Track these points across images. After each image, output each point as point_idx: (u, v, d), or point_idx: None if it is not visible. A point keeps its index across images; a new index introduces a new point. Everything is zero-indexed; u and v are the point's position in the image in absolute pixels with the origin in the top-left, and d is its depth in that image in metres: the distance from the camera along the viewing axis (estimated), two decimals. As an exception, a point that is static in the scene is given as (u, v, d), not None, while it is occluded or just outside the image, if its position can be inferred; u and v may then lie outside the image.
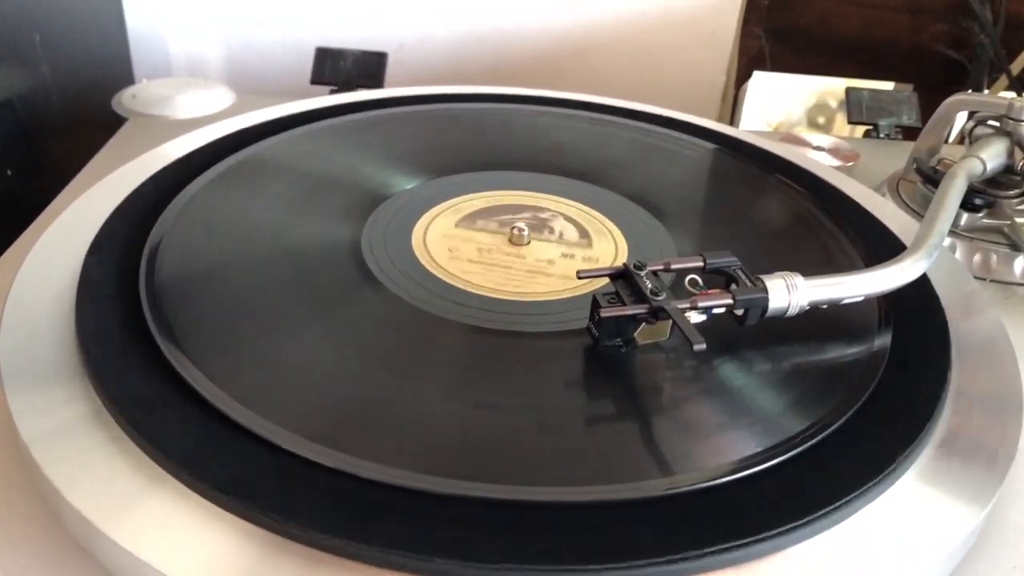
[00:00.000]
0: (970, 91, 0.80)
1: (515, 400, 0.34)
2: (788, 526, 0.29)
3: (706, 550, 0.28)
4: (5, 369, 0.34)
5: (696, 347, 0.32)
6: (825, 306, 0.37)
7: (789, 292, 0.35)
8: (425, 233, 0.45)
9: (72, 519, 0.29)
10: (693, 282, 0.36)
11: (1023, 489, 0.35)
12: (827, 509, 0.30)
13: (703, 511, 0.30)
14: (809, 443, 0.32)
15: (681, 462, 0.32)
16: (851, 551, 0.29)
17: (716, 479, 0.30)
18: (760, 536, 0.28)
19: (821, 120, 0.91)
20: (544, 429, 0.33)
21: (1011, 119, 0.50)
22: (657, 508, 0.30)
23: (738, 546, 0.28)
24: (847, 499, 0.30)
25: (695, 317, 0.34)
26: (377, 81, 0.68)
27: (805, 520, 0.29)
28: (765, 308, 0.35)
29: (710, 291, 0.35)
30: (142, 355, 0.34)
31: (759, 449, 0.32)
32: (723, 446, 0.32)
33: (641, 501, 0.30)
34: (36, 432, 0.31)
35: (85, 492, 0.29)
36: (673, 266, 0.36)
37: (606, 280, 0.37)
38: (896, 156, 0.59)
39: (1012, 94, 0.81)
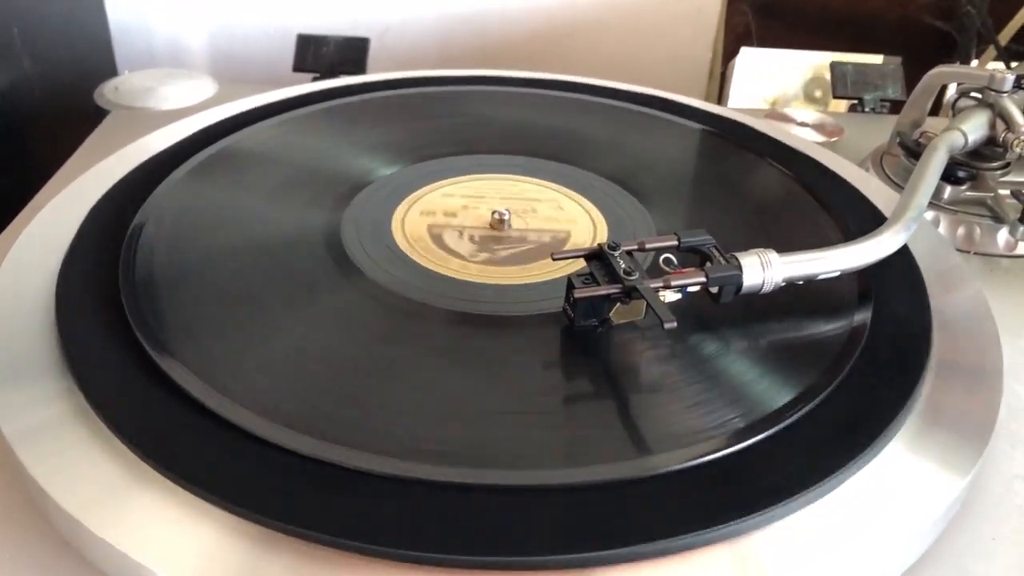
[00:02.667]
0: (957, 63, 0.80)
1: (495, 384, 0.34)
2: (777, 500, 0.29)
3: (696, 528, 0.28)
4: (-13, 365, 0.34)
5: (667, 326, 0.32)
6: (801, 282, 0.37)
7: (763, 269, 0.35)
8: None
9: (58, 516, 0.29)
10: (667, 261, 0.36)
11: (1003, 459, 0.35)
12: (814, 481, 0.30)
13: (690, 489, 0.30)
14: (794, 417, 0.32)
15: (664, 441, 0.32)
16: (839, 521, 0.30)
17: (701, 457, 0.31)
18: (751, 511, 0.29)
19: (818, 93, 0.90)
20: (522, 412, 0.33)
21: (993, 91, 0.50)
22: (642, 488, 0.30)
23: (729, 522, 0.28)
24: (833, 471, 0.30)
25: (670, 296, 0.34)
26: (360, 67, 0.68)
27: (793, 493, 0.29)
28: (739, 285, 0.35)
29: (684, 269, 0.35)
30: (124, 351, 0.34)
31: (743, 426, 0.32)
32: (705, 423, 0.32)
33: (625, 482, 0.30)
34: (19, 430, 0.31)
35: (70, 489, 0.29)
36: (647, 245, 0.37)
37: (583, 262, 0.37)
38: (881, 130, 0.59)
39: (1000, 65, 0.80)
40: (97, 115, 0.61)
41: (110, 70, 0.78)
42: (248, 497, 0.28)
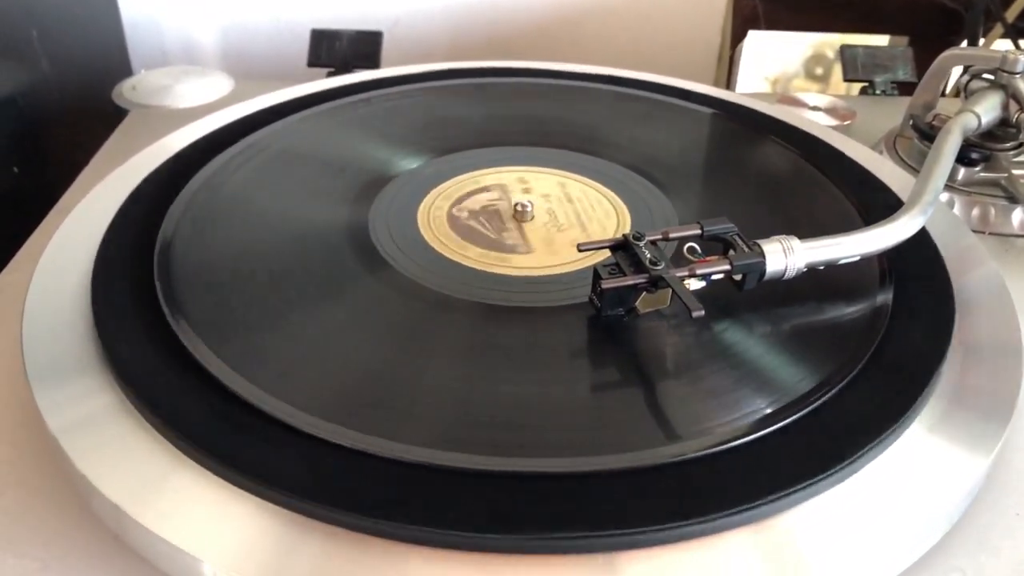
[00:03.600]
0: (965, 44, 0.80)
1: (525, 374, 0.35)
2: (802, 483, 0.30)
3: (721, 511, 0.29)
4: (29, 364, 0.35)
5: (695, 314, 0.32)
6: (822, 267, 0.37)
7: (786, 255, 0.36)
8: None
9: (102, 507, 0.30)
10: (691, 250, 0.37)
11: (1024, 436, 0.35)
12: (839, 464, 0.30)
13: (717, 474, 0.30)
14: (818, 401, 0.33)
15: (692, 427, 0.32)
16: (864, 504, 0.30)
17: (728, 442, 0.31)
18: (776, 494, 0.29)
19: (819, 71, 0.90)
20: (549, 401, 0.34)
21: (1005, 72, 0.50)
22: (667, 473, 0.30)
23: (755, 506, 0.29)
24: (858, 454, 0.31)
25: (694, 284, 0.35)
26: (373, 60, 0.68)
27: (818, 477, 0.30)
28: (763, 272, 0.36)
29: (708, 258, 0.36)
30: (160, 344, 0.35)
31: (768, 411, 0.32)
32: (731, 409, 0.33)
33: (652, 468, 0.30)
34: (63, 424, 0.32)
35: (113, 480, 0.30)
36: (671, 235, 0.37)
37: (608, 252, 0.37)
38: (893, 112, 0.60)
39: (1008, 42, 0.80)
40: (115, 114, 0.62)
41: (125, 69, 0.78)
42: (283, 483, 0.29)
